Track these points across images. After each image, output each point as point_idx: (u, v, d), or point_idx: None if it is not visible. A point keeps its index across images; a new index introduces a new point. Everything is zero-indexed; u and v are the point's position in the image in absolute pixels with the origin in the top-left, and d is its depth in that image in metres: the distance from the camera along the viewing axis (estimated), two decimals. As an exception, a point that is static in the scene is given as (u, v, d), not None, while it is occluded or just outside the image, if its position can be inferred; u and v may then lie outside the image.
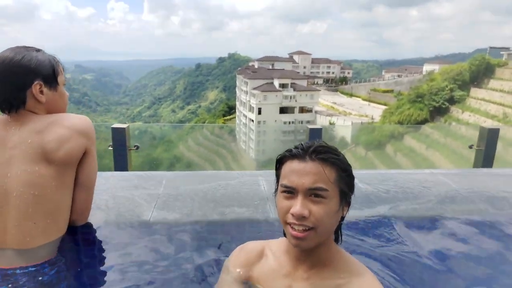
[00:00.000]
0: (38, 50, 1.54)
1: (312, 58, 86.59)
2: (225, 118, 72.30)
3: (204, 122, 70.92)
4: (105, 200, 2.14)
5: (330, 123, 47.26)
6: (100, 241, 1.75)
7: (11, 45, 1.51)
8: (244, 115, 57.09)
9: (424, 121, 40.71)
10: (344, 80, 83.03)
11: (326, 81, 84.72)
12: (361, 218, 1.99)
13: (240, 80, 60.14)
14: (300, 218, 0.96)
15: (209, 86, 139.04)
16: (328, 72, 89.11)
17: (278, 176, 1.07)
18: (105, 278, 1.50)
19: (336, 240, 1.14)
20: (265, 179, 2.60)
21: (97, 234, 1.77)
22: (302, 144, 1.05)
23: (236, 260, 1.19)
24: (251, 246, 1.21)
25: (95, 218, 1.82)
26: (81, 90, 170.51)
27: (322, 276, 1.05)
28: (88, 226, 1.74)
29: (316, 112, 53.55)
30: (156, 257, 1.62)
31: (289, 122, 52.19)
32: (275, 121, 51.48)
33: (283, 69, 64.55)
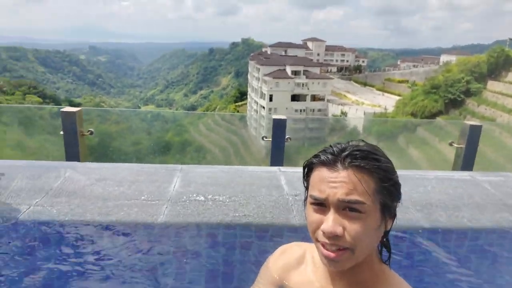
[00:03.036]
0: None
1: (326, 46, 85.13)
2: (237, 104, 72.01)
3: (215, 108, 70.87)
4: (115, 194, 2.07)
5: (342, 113, 46.71)
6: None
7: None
8: (255, 102, 56.80)
9: (438, 113, 39.89)
10: (358, 69, 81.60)
11: (340, 69, 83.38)
12: (394, 227, 1.80)
13: (252, 66, 59.62)
14: (333, 237, 0.81)
15: (222, 71, 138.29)
16: (342, 60, 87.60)
17: (307, 184, 0.92)
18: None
19: (383, 255, 0.98)
20: (285, 177, 2.42)
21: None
22: (332, 147, 0.87)
23: (275, 262, 1.11)
24: (293, 249, 1.11)
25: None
26: (95, 72, 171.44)
27: None
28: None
29: (328, 100, 52.92)
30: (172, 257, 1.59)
31: (301, 110, 51.77)
32: (286, 108, 51.06)
33: (296, 56, 63.69)
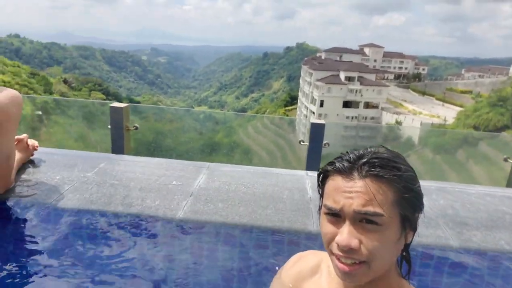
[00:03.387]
0: None
1: (384, 52, 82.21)
2: (286, 108, 71.92)
3: (265, 111, 71.34)
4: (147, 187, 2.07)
5: (397, 122, 44.70)
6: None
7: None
8: (305, 107, 56.27)
9: (504, 128, 36.72)
10: (417, 77, 77.91)
11: (397, 76, 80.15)
12: (420, 244, 1.65)
13: (305, 70, 59.16)
14: (348, 250, 0.77)
15: (274, 75, 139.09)
16: (401, 68, 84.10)
17: (321, 193, 0.87)
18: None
19: (402, 269, 0.92)
20: (312, 182, 2.32)
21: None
22: (349, 154, 0.82)
23: (290, 271, 1.07)
24: (308, 258, 1.07)
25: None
26: (155, 72, 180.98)
27: None
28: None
29: (382, 108, 50.96)
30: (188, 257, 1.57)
31: (352, 117, 50.37)
32: (337, 115, 49.99)
33: (351, 61, 62.15)
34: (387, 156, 0.80)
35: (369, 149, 0.82)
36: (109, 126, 3.82)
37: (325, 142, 4.01)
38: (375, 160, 0.78)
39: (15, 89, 1.74)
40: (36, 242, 1.65)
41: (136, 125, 3.91)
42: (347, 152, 0.84)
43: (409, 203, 0.79)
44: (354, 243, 0.76)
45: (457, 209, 2.07)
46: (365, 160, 0.79)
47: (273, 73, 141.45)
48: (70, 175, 2.17)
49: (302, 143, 4.24)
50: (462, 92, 56.05)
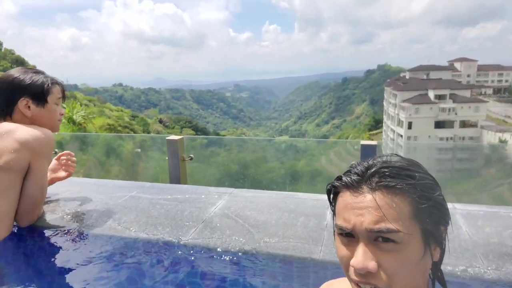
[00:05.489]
0: (37, 72, 1.79)
1: (478, 65, 74.91)
2: (371, 132, 69.02)
3: (347, 136, 69.31)
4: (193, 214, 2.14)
5: (501, 141, 39.61)
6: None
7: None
8: (391, 130, 53.27)
9: None
10: (522, 89, 68.88)
11: (497, 91, 72.06)
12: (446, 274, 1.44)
13: (388, 92, 56.55)
14: (365, 273, 0.68)
15: (356, 100, 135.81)
16: (500, 81, 75.56)
17: (334, 212, 0.80)
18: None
19: None
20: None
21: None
22: (358, 166, 0.75)
23: None
24: (339, 285, 0.99)
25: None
26: (238, 107, 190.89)
27: None
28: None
29: (482, 127, 45.76)
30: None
31: (447, 139, 46.07)
32: (429, 136, 46.23)
33: (440, 78, 57.70)
34: (399, 165, 0.71)
35: (379, 159, 0.74)
36: (167, 158, 4.03)
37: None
38: (385, 170, 0.70)
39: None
40: (61, 266, 1.77)
41: (191, 155, 4.09)
42: (356, 164, 0.75)
43: (428, 215, 0.70)
44: (371, 265, 0.67)
45: (504, 238, 1.69)
46: (373, 170, 0.71)
47: (354, 97, 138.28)
48: (99, 202, 2.33)
49: None
50: None
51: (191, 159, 4.10)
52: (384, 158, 0.74)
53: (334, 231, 0.78)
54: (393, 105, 52.01)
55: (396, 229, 0.67)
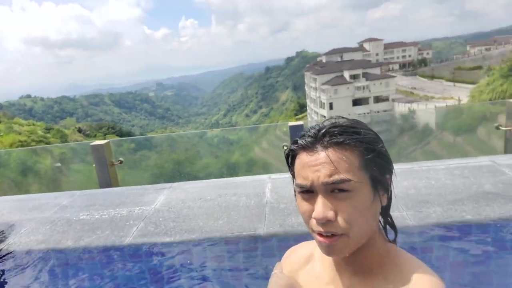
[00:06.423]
0: None
1: (384, 44, 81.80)
2: (297, 117, 71.85)
3: (276, 123, 71.36)
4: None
5: (410, 111, 43.99)
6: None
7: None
8: (315, 112, 56.07)
9: (523, 96, 35.64)
10: (423, 62, 77.03)
11: (403, 65, 79.49)
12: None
13: (308, 77, 59.24)
14: (325, 222, 0.76)
15: (280, 87, 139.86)
16: (404, 56, 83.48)
17: (293, 174, 0.86)
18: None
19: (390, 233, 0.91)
20: (272, 185, 2.35)
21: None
22: (311, 130, 0.82)
23: (285, 264, 1.08)
24: (301, 249, 1.08)
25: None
26: (163, 106, 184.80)
27: (366, 284, 0.85)
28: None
29: (393, 100, 50.30)
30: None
31: (364, 114, 49.85)
32: (349, 114, 49.50)
33: (353, 59, 61.96)
34: (346, 124, 0.80)
35: (327, 122, 0.82)
36: (94, 165, 3.90)
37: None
38: (335, 129, 0.78)
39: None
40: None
41: (121, 159, 4.00)
42: (309, 129, 0.82)
43: (375, 164, 0.79)
44: (330, 214, 0.75)
45: (419, 188, 2.02)
46: (324, 130, 0.79)
47: (278, 85, 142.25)
48: (27, 217, 2.20)
49: (285, 147, 4.19)
50: (472, 68, 54.92)
51: (121, 162, 3.95)
52: (333, 120, 0.82)
53: (294, 191, 0.85)
54: (314, 89, 54.69)
55: (348, 179, 0.75)
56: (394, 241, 0.91)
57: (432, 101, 44.54)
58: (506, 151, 3.91)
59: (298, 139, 0.83)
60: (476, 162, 2.37)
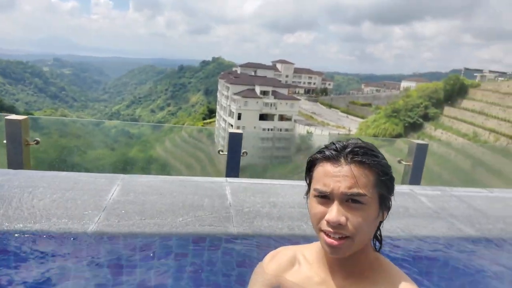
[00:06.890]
0: None
1: (294, 68, 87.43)
2: (205, 121, 71.81)
3: (183, 124, 70.14)
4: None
5: (308, 133, 47.68)
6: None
7: None
8: (224, 120, 56.87)
9: (398, 136, 41.67)
10: (324, 91, 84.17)
11: (307, 91, 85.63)
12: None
13: (222, 84, 59.95)
14: (337, 226, 0.88)
15: (191, 89, 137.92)
16: (310, 83, 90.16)
17: (309, 179, 0.98)
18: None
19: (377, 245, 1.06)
20: (231, 188, 2.43)
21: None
22: (335, 144, 0.95)
23: (269, 265, 1.13)
24: (283, 253, 1.15)
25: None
26: (58, 84, 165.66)
27: (358, 285, 0.98)
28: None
29: (295, 120, 53.93)
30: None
31: (268, 129, 52.32)
32: (254, 127, 51.47)
33: (265, 76, 64.84)
34: (366, 146, 0.94)
35: (350, 141, 0.96)
36: (5, 141, 3.48)
37: (243, 151, 4.24)
38: (358, 149, 0.92)
39: None
40: None
41: (37, 139, 3.65)
42: (332, 143, 0.96)
43: (385, 185, 0.93)
44: (343, 219, 0.88)
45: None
46: (349, 149, 0.92)
47: (190, 86, 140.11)
48: None
49: (221, 152, 4.41)
50: (363, 105, 62.24)
51: (37, 143, 3.57)
52: (354, 141, 0.95)
53: (307, 194, 0.99)
54: (226, 97, 55.55)
55: (364, 194, 0.88)
56: (379, 251, 1.06)
57: (328, 128, 49.04)
58: (402, 182, 4.59)
59: (324, 149, 0.95)
60: (399, 189, 2.84)
